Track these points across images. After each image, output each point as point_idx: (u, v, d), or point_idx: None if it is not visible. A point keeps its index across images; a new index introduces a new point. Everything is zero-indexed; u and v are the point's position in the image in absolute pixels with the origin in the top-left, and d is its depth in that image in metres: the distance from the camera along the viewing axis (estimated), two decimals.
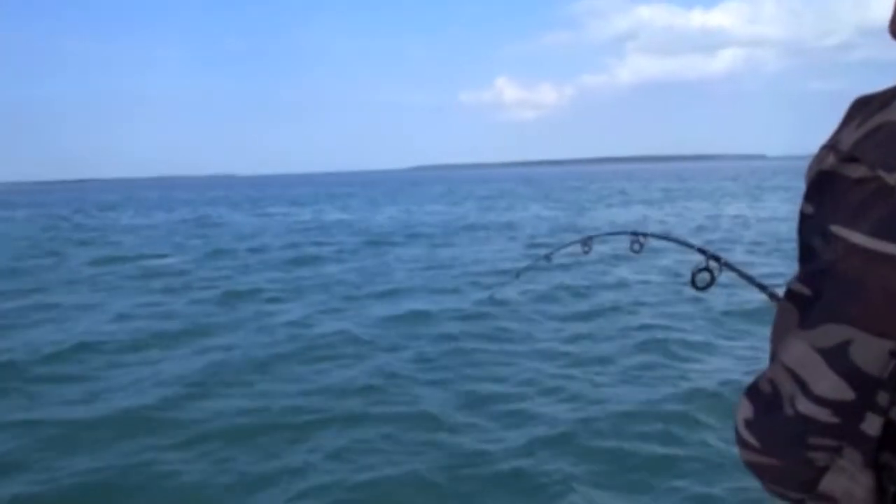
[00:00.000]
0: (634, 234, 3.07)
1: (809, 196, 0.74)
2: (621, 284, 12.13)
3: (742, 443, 0.78)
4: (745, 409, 0.77)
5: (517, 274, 4.46)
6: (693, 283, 2.18)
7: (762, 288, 2.03)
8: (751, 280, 2.13)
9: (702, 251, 2.30)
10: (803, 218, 0.75)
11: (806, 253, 0.74)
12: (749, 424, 0.77)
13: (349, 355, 7.93)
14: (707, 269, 2.20)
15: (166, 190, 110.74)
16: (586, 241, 3.39)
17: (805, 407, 0.71)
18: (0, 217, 45.09)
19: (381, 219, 31.51)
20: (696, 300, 10.44)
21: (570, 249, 3.79)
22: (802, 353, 0.71)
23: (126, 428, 5.84)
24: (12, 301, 11.91)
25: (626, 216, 28.29)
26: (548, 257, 3.88)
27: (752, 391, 0.78)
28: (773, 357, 0.76)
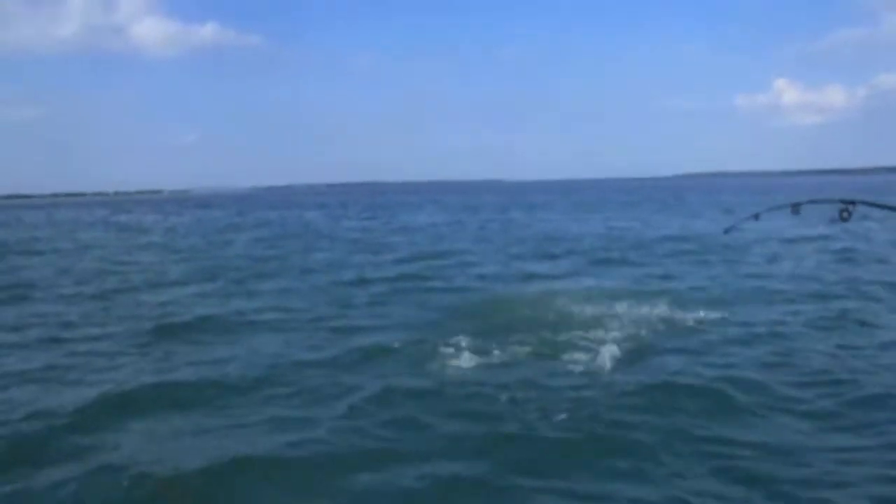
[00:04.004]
0: (843, 201, 3.29)
1: None
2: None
3: None
4: None
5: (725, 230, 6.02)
6: None
7: None
8: None
9: None
10: None
11: None
12: None
13: None
14: None
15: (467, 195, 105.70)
16: (795, 207, 3.90)
17: None
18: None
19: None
20: None
21: (778, 212, 4.20)
22: None
23: None
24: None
25: None
26: (756, 216, 4.50)
27: None
28: None
